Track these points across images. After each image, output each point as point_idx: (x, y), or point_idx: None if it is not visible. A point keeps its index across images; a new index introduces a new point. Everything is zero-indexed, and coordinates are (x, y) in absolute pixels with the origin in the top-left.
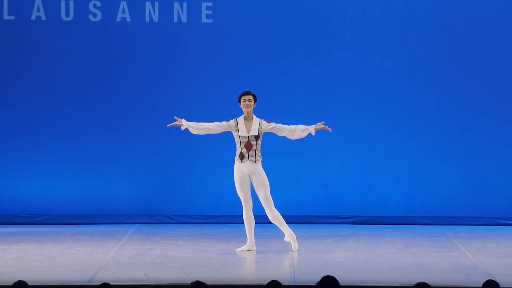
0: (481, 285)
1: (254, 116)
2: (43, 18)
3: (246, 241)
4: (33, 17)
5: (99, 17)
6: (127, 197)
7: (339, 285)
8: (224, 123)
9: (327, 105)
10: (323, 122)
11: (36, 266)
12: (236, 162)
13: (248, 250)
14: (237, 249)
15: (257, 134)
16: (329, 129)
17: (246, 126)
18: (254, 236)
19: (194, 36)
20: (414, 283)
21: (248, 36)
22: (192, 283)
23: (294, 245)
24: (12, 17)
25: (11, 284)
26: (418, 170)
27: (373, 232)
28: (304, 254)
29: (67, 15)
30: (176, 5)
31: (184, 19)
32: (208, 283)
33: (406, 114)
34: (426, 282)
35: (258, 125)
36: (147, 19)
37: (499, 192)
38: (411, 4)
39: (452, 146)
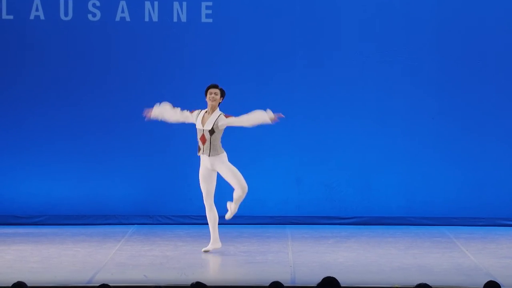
0: (482, 286)
1: (217, 110)
2: (42, 17)
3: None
4: (32, 17)
5: (98, 17)
6: (126, 197)
7: (340, 286)
8: (187, 112)
9: (328, 105)
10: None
11: (34, 267)
12: (200, 167)
13: (214, 249)
14: (203, 249)
15: (210, 128)
16: (281, 115)
17: (204, 119)
18: (256, 236)
19: (193, 36)
20: (415, 284)
21: (248, 36)
22: (192, 284)
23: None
24: (11, 17)
25: (10, 285)
26: (419, 171)
27: (374, 233)
28: (305, 255)
29: (66, 14)
30: (176, 5)
31: (183, 18)
32: (208, 284)
33: (407, 114)
34: (427, 283)
35: (214, 120)
36: (147, 19)
37: (500, 192)
38: (413, 3)
39: (454, 146)
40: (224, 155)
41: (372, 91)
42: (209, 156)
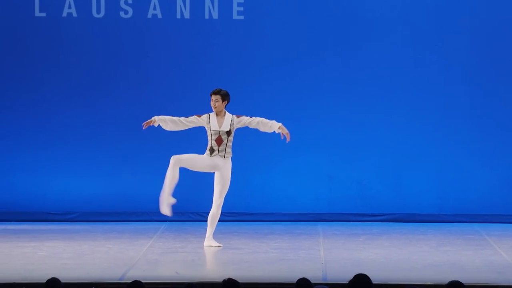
0: None
1: (226, 112)
2: (74, 15)
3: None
4: (64, 14)
5: (130, 14)
6: (158, 194)
7: (371, 283)
8: (194, 117)
9: (359, 102)
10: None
11: (67, 264)
12: (205, 155)
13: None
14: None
15: (228, 129)
16: (287, 135)
17: (218, 121)
18: (287, 233)
19: (225, 33)
20: (447, 282)
21: (280, 32)
22: (224, 281)
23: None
24: (44, 14)
25: (44, 281)
26: (451, 168)
27: (406, 230)
28: (336, 252)
29: (98, 12)
30: (207, 2)
31: (215, 15)
32: (240, 281)
33: (439, 111)
34: (460, 280)
35: (230, 121)
36: (178, 16)
37: None
38: (446, 0)
39: (486, 143)
40: (230, 158)
41: (404, 88)
42: (224, 157)
